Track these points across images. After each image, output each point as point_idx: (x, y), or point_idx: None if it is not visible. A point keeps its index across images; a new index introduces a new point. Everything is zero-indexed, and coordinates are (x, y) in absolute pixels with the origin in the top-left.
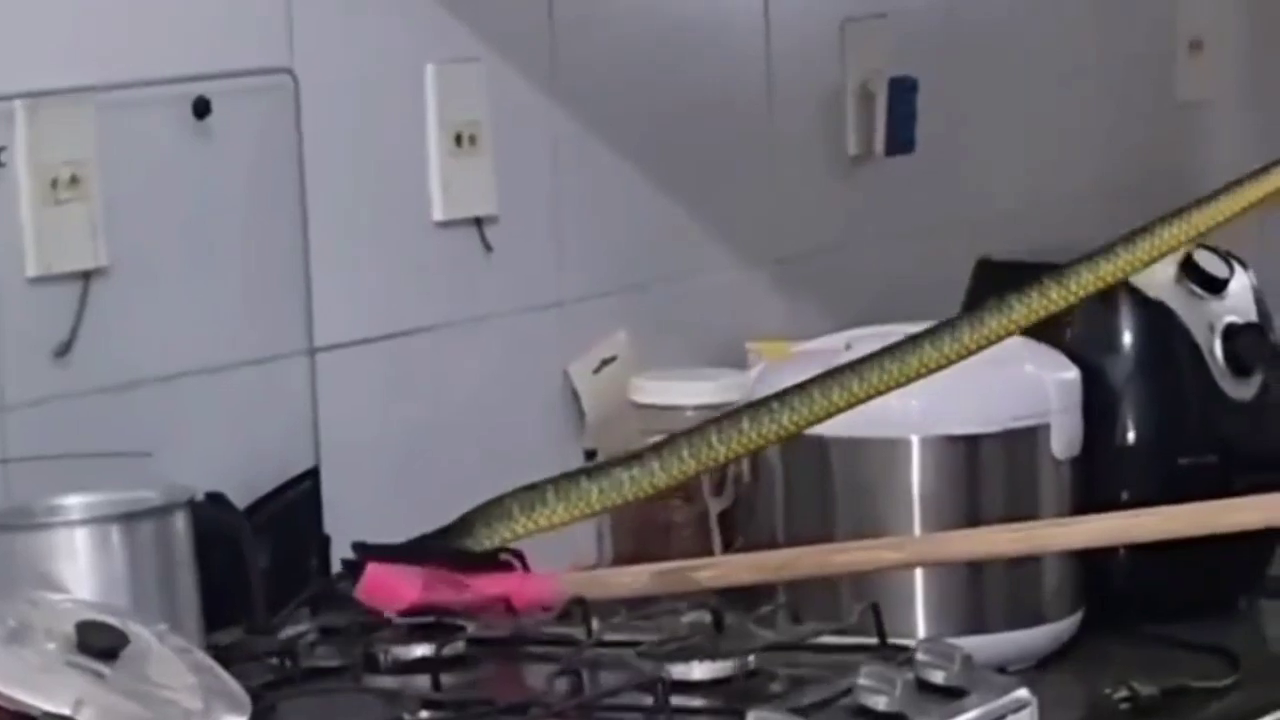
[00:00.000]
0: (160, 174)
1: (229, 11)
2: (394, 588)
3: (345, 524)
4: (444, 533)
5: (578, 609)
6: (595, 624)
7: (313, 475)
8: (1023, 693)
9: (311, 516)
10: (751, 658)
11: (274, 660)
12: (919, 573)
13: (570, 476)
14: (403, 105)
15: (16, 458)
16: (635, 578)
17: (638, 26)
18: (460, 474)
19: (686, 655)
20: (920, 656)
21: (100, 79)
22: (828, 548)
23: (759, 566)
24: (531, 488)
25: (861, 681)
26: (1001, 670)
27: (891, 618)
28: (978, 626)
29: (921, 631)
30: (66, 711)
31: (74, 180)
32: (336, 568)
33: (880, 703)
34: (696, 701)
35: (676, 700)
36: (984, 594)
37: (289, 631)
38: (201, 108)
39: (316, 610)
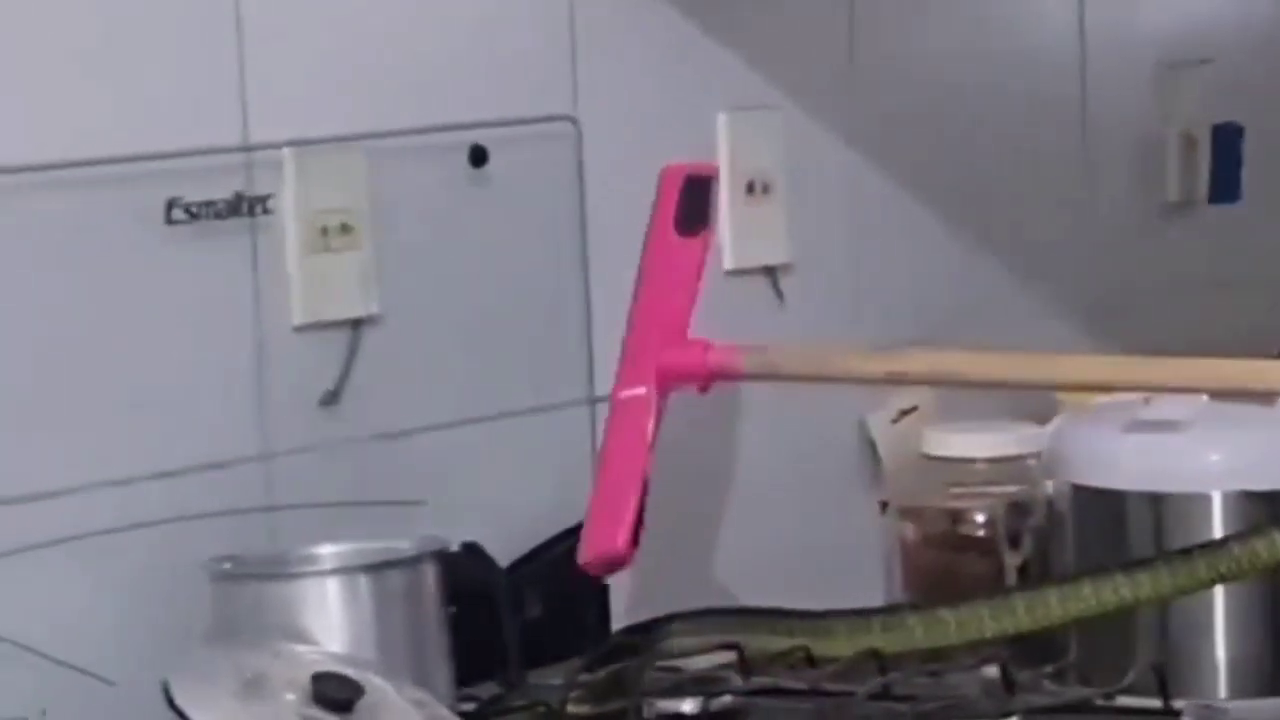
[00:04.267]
0: (435, 222)
1: (509, 59)
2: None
3: (624, 575)
4: None
5: (873, 661)
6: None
7: None
8: None
9: None
10: (1016, 718)
11: (532, 713)
12: (1220, 631)
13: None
14: (691, 153)
15: (283, 505)
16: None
17: (942, 70)
18: (752, 523)
19: (951, 713)
20: None
21: (372, 126)
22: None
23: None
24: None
25: None
26: None
27: (1191, 678)
28: None
29: (1223, 693)
30: None
31: (344, 228)
32: (616, 622)
33: None
34: None
35: None
36: None
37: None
38: (478, 156)
39: (593, 664)
